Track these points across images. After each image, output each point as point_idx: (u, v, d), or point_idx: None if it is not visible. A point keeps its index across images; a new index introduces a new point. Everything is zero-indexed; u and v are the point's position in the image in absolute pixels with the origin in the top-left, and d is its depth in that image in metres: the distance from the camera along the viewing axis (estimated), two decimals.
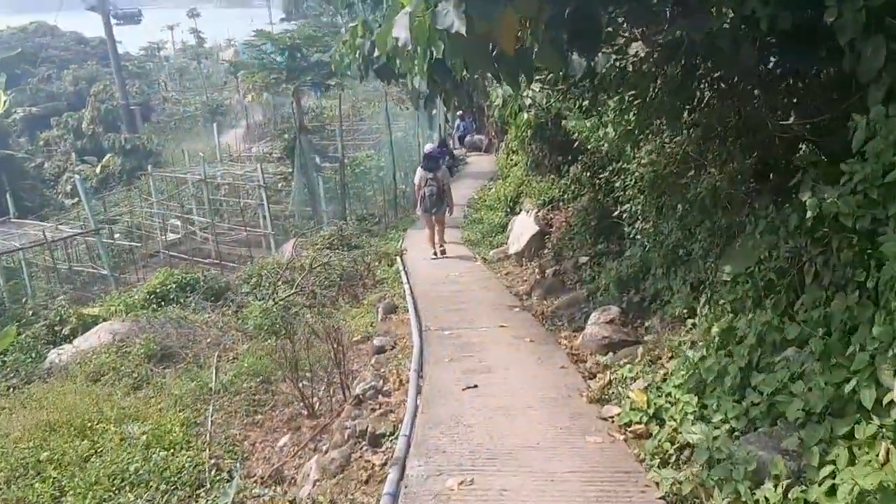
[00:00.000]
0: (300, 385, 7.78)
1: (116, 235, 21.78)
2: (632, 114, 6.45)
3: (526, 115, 11.82)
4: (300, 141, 17.17)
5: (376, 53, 8.32)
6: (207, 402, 8.40)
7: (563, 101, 12.71)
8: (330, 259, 13.46)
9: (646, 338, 7.09)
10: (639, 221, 6.71)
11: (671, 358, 6.19)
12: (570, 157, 12.63)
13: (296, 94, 17.53)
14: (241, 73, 17.35)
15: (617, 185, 9.06)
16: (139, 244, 19.62)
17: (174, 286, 13.16)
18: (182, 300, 12.88)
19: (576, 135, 12.92)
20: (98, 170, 28.62)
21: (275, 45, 17.03)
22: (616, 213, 9.58)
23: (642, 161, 6.17)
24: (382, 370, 7.88)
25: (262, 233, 20.45)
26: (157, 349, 9.91)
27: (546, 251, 11.90)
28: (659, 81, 5.78)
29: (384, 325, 9.95)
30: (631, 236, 9.35)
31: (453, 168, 22.09)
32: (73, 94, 35.65)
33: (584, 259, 10.49)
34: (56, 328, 12.45)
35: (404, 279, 11.66)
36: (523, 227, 12.74)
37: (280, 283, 13.18)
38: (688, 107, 5.72)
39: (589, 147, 12.54)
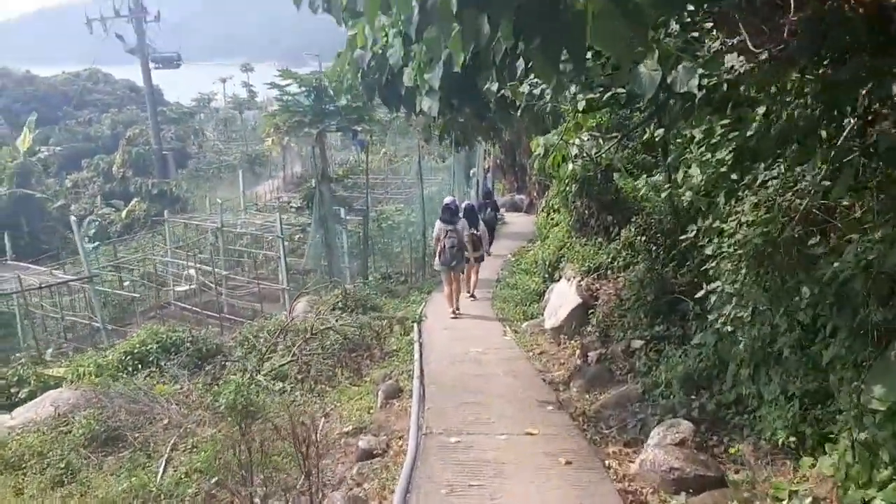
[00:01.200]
0: (254, 500, 5.77)
1: (126, 283, 20.33)
2: (727, 151, 4.52)
3: (571, 167, 9.90)
4: (320, 190, 15.57)
5: (381, 70, 6.59)
6: None
7: (615, 152, 10.87)
8: (335, 323, 11.54)
9: (734, 475, 4.92)
10: (730, 306, 4.67)
11: None
12: (621, 218, 10.67)
13: (319, 139, 16.03)
14: (263, 116, 15.92)
15: (696, 253, 7.01)
16: (138, 295, 18.02)
17: (156, 346, 11.39)
18: (162, 363, 11.07)
19: (630, 192, 11.01)
20: (124, 214, 27.66)
21: (300, 86, 15.66)
22: (696, 291, 7.54)
23: (744, 219, 4.20)
24: (364, 487, 5.84)
25: (279, 287, 18.73)
26: (101, 430, 8.03)
27: (590, 329, 9.80)
28: (777, 106, 3.87)
29: (382, 413, 7.93)
30: (710, 323, 7.27)
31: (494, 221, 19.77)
32: (109, 137, 35.29)
33: (637, 343, 8.36)
34: (13, 390, 10.73)
35: (416, 355, 9.66)
36: (563, 298, 10.69)
37: (274, 349, 11.30)
38: (824, 139, 3.75)
39: (646, 206, 10.59)
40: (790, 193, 4.25)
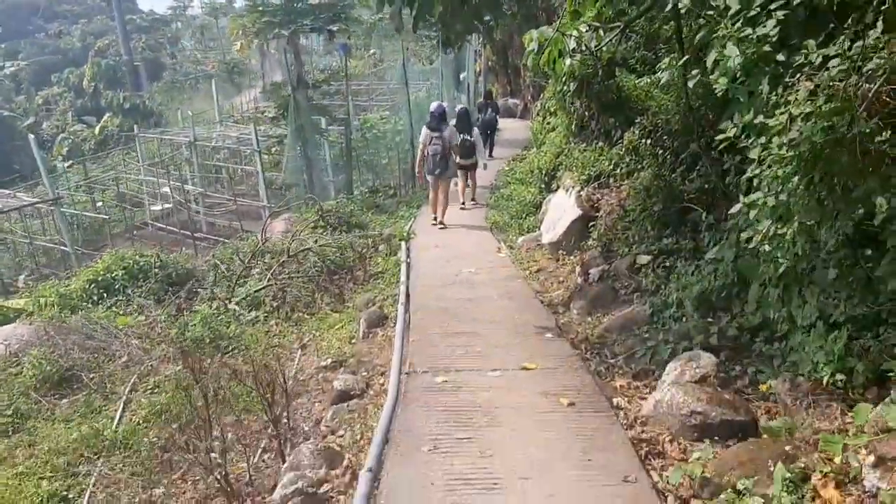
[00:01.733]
0: (211, 456, 5.06)
1: (98, 204, 19.29)
2: (773, 24, 3.51)
3: (569, 62, 8.78)
4: (295, 98, 14.34)
5: None
6: (94, 462, 5.76)
7: (617, 45, 9.72)
8: (313, 245, 10.68)
9: (770, 421, 4.16)
10: (768, 221, 3.78)
11: (835, 484, 3.30)
12: (623, 120, 9.64)
13: (292, 42, 14.66)
14: (230, 18, 14.50)
15: (712, 155, 6.10)
16: (107, 216, 17.02)
17: (122, 273, 10.54)
18: (129, 292, 10.27)
19: (632, 90, 9.91)
20: (97, 130, 26.22)
21: None
22: (709, 199, 6.70)
23: (796, 111, 3.24)
24: (337, 436, 5.12)
25: (259, 205, 17.79)
26: (54, 371, 7.28)
27: (590, 243, 8.96)
28: None
29: (364, 345, 7.18)
30: (726, 234, 6.42)
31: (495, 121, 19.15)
32: (80, 49, 33.20)
33: (643, 258, 7.53)
34: None
35: (402, 277, 8.84)
36: (561, 210, 9.80)
37: (249, 273, 10.49)
38: None
39: (651, 106, 9.53)
40: (856, 76, 3.29)
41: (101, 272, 10.54)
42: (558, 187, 10.79)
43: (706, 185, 7.84)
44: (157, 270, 10.73)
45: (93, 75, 29.75)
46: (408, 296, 7.95)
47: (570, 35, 8.59)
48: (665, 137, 8.79)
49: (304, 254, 10.46)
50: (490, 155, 18.39)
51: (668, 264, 7.27)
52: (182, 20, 62.26)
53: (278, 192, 18.86)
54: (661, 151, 8.73)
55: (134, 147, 24.60)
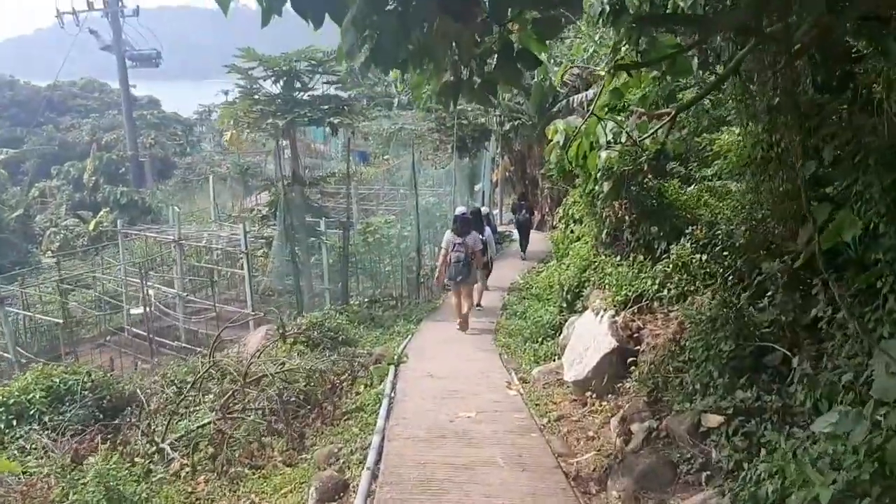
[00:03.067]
0: None
1: (70, 305, 17.45)
2: None
3: (604, 156, 7.02)
4: (284, 195, 12.70)
5: None
6: None
7: (667, 134, 7.98)
8: (282, 368, 8.62)
9: None
10: None
11: None
12: (669, 229, 7.76)
13: (289, 133, 13.22)
14: (220, 107, 13.16)
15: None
16: (59, 321, 15.11)
17: (41, 395, 8.48)
18: (46, 419, 8.18)
19: (674, 196, 8.10)
20: (91, 226, 24.93)
21: (266, 69, 12.88)
22: (793, 336, 4.71)
23: None
24: None
25: (244, 312, 15.85)
26: None
27: (630, 385, 6.85)
28: None
29: None
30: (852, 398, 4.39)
31: (498, 245, 19.50)
32: (88, 144, 32.73)
33: (713, 419, 5.37)
34: None
35: (380, 421, 6.71)
36: (590, 338, 7.73)
37: (199, 400, 8.39)
38: None
39: (702, 215, 7.68)
40: None
41: (16, 393, 8.48)
42: (585, 308, 8.77)
43: (782, 317, 5.86)
44: (86, 393, 8.66)
45: (94, 169, 28.86)
46: (380, 454, 5.80)
47: (606, 123, 6.88)
48: (725, 253, 6.88)
49: (268, 379, 8.37)
50: (524, 254, 19.36)
51: (749, 429, 5.12)
52: (206, 124, 63.11)
53: (270, 297, 17.02)
54: (720, 270, 6.80)
55: (126, 245, 23.11)
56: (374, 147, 41.73)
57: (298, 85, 13.23)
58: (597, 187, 7.92)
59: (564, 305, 9.96)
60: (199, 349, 15.88)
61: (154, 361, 14.80)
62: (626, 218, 7.81)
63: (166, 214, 25.85)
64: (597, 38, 31.98)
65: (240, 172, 37.15)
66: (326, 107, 13.32)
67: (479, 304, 13.45)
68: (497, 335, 11.78)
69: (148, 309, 17.93)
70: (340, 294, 14.97)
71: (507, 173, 29.57)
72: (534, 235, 23.78)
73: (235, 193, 34.27)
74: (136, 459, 6.69)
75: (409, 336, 11.80)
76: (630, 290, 7.52)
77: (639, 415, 6.11)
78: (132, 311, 18.16)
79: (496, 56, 5.55)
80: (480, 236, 12.02)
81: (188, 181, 38.28)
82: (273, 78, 13.21)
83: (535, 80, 27.83)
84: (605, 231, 8.33)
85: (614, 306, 7.61)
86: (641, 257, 7.83)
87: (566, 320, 9.96)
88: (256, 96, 13.12)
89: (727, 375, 5.69)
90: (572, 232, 10.68)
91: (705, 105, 9.13)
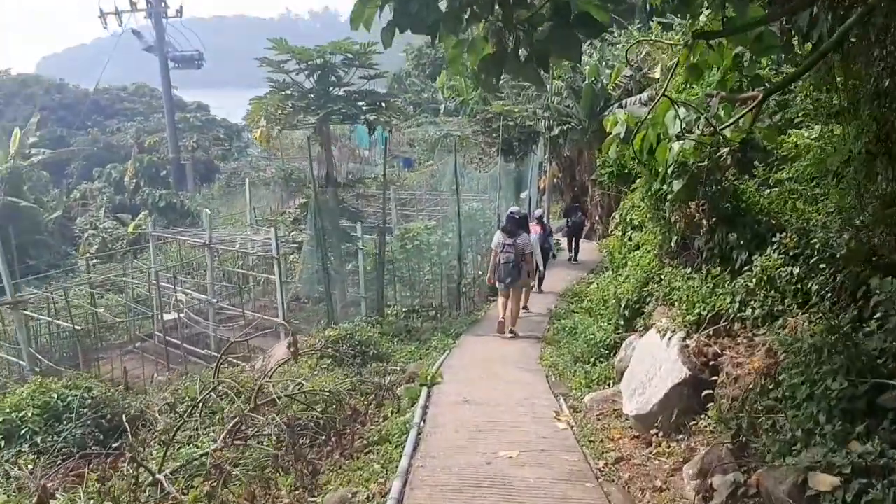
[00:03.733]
0: None
1: (101, 310, 16.92)
2: None
3: (677, 147, 5.88)
4: (317, 197, 11.79)
5: None
6: None
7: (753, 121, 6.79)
8: (299, 388, 7.66)
9: None
10: None
11: None
12: (751, 237, 6.54)
13: (322, 131, 12.33)
14: (250, 101, 12.35)
15: None
16: (81, 327, 14.46)
17: (34, 413, 7.68)
18: (39, 440, 7.38)
19: (754, 199, 6.87)
20: (130, 228, 24.61)
21: (299, 62, 12.04)
22: None
23: None
24: None
25: (276, 321, 15.05)
26: None
27: (707, 425, 5.66)
28: None
29: None
30: None
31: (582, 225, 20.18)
32: (133, 146, 32.71)
33: (824, 480, 4.16)
34: None
35: (404, 461, 5.66)
36: (654, 363, 6.56)
37: (209, 422, 7.49)
38: None
39: (789, 221, 6.45)
40: None
41: (7, 410, 7.71)
42: (647, 327, 7.58)
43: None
44: (85, 411, 7.85)
45: (135, 171, 28.63)
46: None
47: (678, 108, 5.74)
48: (823, 266, 5.66)
49: (281, 403, 7.42)
50: (575, 259, 19.19)
51: (874, 496, 3.91)
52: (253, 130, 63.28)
53: (305, 304, 16.19)
54: (816, 287, 5.59)
55: (164, 248, 22.63)
56: (419, 154, 40.88)
57: (333, 79, 12.35)
58: (665, 186, 6.75)
59: (621, 323, 8.77)
60: (230, 358, 15.18)
61: (173, 371, 14.08)
62: (704, 223, 6.60)
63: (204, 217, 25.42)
64: (652, 36, 30.48)
65: (283, 177, 36.70)
66: (362, 103, 12.38)
67: (525, 307, 13.12)
68: (543, 352, 10.66)
69: (180, 315, 17.32)
70: (376, 303, 14.01)
71: (555, 180, 28.31)
72: (583, 245, 22.57)
73: (276, 198, 33.82)
74: (124, 495, 5.77)
75: (447, 352, 10.76)
76: (704, 309, 6.32)
77: (720, 465, 4.92)
78: (165, 317, 17.55)
79: (548, 23, 4.50)
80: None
81: (232, 185, 38.01)
82: (307, 72, 12.36)
83: (586, 81, 26.62)
84: (673, 238, 7.13)
85: (685, 327, 6.42)
86: (717, 269, 6.62)
87: (623, 339, 8.79)
88: (288, 91, 12.26)
89: (838, 421, 4.49)
90: (630, 240, 9.48)
91: (771, 106, 7.92)
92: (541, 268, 14.91)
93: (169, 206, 25.73)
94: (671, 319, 6.65)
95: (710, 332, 6.21)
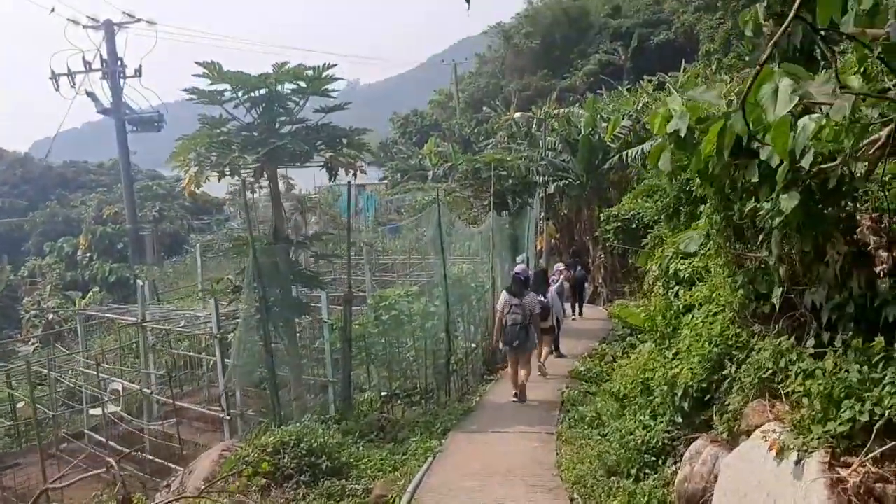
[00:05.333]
0: None
1: (20, 405, 14.00)
2: None
3: (812, 127, 3.27)
4: (255, 258, 9.10)
5: None
6: None
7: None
8: None
9: None
10: None
11: None
12: None
13: (269, 174, 9.77)
14: (176, 142, 9.82)
15: None
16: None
17: None
18: None
19: None
20: (79, 307, 21.78)
21: (236, 91, 9.57)
22: None
23: None
24: None
25: (215, 414, 12.19)
26: None
27: None
28: None
29: None
30: None
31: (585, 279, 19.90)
32: (94, 220, 30.12)
33: None
34: None
35: None
36: (768, 501, 3.80)
37: None
38: None
39: None
40: None
41: None
42: (733, 432, 4.81)
43: None
44: None
45: (88, 244, 25.97)
46: None
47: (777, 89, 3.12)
48: None
49: None
50: (580, 312, 18.61)
51: None
52: (236, 204, 60.99)
53: (258, 391, 13.28)
54: None
55: (111, 328, 19.69)
56: (406, 219, 38.54)
57: (281, 111, 9.90)
58: (765, 206, 4.12)
59: (678, 419, 5.99)
60: (164, 463, 12.26)
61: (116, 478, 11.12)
62: (833, 262, 3.93)
63: (162, 291, 22.62)
64: (641, 94, 28.53)
65: (229, 238, 33.81)
66: (316, 139, 9.87)
67: (544, 372, 12.28)
68: (560, 456, 7.85)
69: (117, 408, 14.47)
70: (341, 390, 11.17)
71: (552, 240, 25.77)
72: (587, 310, 19.94)
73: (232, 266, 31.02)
74: None
75: (430, 459, 7.90)
76: (861, 411, 3.60)
77: None
78: (91, 412, 14.62)
79: None
80: (542, 298, 11.52)
81: (205, 258, 35.25)
82: (248, 104, 9.90)
83: (582, 133, 24.49)
84: (778, 291, 4.44)
85: (828, 443, 3.67)
86: (860, 340, 3.93)
87: (679, 441, 6.03)
88: (225, 129, 9.76)
89: None
90: (676, 296, 6.78)
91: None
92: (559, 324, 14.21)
93: (120, 281, 23.01)
94: (792, 428, 3.91)
95: (879, 456, 3.48)
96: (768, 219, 4.07)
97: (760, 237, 4.36)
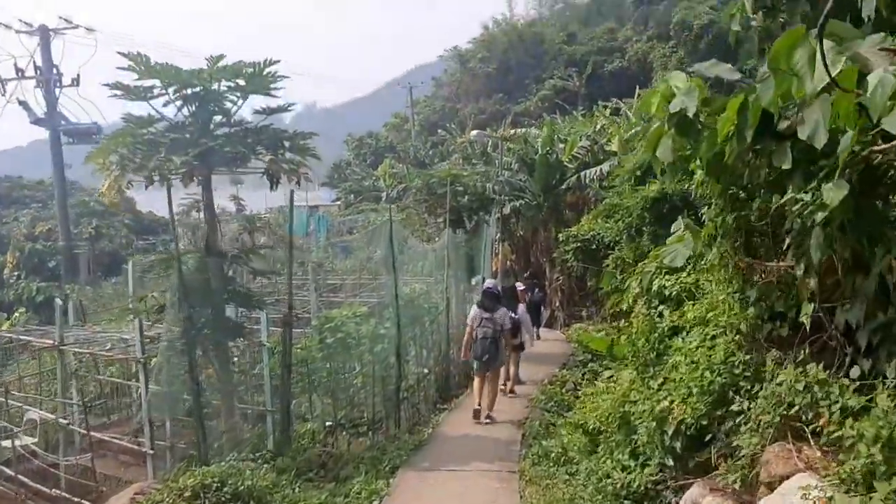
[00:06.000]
0: None
1: None
2: None
3: (893, 83, 2.43)
4: (180, 273, 8.00)
5: None
6: None
7: None
8: None
9: None
10: None
11: None
12: None
13: (202, 179, 8.68)
14: (93, 149, 8.65)
15: None
16: None
17: None
18: None
19: None
20: (4, 329, 20.01)
21: (166, 88, 8.49)
22: None
23: None
24: None
25: (139, 448, 10.92)
26: None
27: None
28: None
29: None
30: None
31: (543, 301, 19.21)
32: (25, 237, 28.06)
33: None
34: None
35: None
36: None
37: None
38: None
39: None
40: None
41: None
42: (747, 481, 3.94)
43: None
44: None
45: (16, 262, 24.09)
46: None
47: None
48: None
49: None
50: (538, 336, 17.30)
51: None
52: (187, 224, 58.68)
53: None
54: None
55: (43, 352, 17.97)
56: (358, 241, 37.44)
57: (216, 111, 8.86)
58: (804, 198, 3.27)
59: (669, 460, 5.11)
60: (80, 502, 10.92)
61: None
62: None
63: (92, 312, 20.95)
64: (597, 120, 28.16)
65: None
66: (253, 140, 8.83)
67: (511, 390, 12.30)
68: (525, 497, 6.90)
69: (33, 439, 13.05)
70: (280, 421, 10.03)
71: (508, 262, 24.98)
72: (545, 333, 19.17)
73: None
74: None
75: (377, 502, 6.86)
76: None
77: None
78: (2, 443, 13.08)
79: None
80: (512, 315, 11.44)
81: (145, 279, 33.29)
82: (180, 102, 8.83)
83: (539, 152, 23.88)
84: (809, 307, 3.61)
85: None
86: None
87: (670, 487, 5.15)
88: (152, 130, 8.64)
89: None
90: (660, 316, 5.95)
91: None
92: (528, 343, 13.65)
93: (48, 301, 21.26)
94: (839, 482, 3.05)
95: None
96: (805, 216, 3.24)
97: (787, 242, 3.52)
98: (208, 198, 9.14)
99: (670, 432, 4.91)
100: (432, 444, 9.60)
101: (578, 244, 18.01)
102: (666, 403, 4.96)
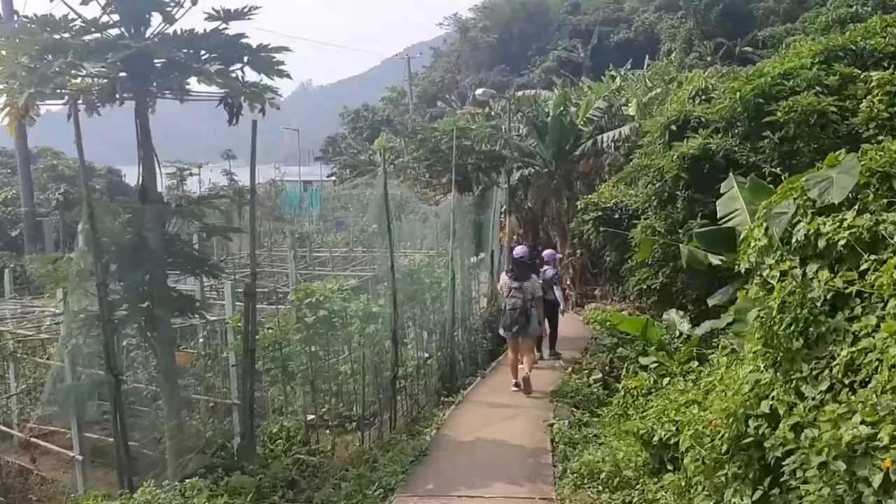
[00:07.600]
0: None
1: None
2: None
3: None
4: (93, 223, 5.81)
5: None
6: None
7: None
8: None
9: None
10: None
11: None
12: None
13: (123, 97, 6.42)
14: None
15: None
16: None
17: None
18: None
19: None
20: None
21: None
22: None
23: None
24: None
25: (70, 455, 8.69)
26: None
27: None
28: None
29: None
30: None
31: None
32: None
33: None
34: None
35: None
36: None
37: None
38: None
39: None
40: None
41: None
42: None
43: None
44: None
45: None
46: None
47: None
48: None
49: None
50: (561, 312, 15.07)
51: None
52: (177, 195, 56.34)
53: (153, 411, 9.75)
54: None
55: None
56: (353, 216, 35.39)
57: (153, 7, 6.58)
58: None
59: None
60: None
61: None
62: None
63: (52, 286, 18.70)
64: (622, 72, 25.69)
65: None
66: (205, 53, 6.57)
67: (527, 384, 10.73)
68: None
69: None
70: (242, 421, 7.85)
71: (515, 236, 22.71)
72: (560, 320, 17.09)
73: None
74: None
75: None
76: None
77: None
78: None
79: None
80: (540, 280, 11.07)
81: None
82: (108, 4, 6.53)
83: (552, 113, 21.54)
84: None
85: None
86: None
87: None
88: (65, 35, 6.36)
89: None
90: (810, 282, 3.75)
91: None
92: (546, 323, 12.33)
93: (2, 270, 19.11)
94: None
95: None
96: None
97: None
98: (143, 129, 6.87)
99: (877, 480, 2.73)
100: (437, 454, 7.47)
101: (599, 213, 15.83)
102: (865, 429, 2.78)
